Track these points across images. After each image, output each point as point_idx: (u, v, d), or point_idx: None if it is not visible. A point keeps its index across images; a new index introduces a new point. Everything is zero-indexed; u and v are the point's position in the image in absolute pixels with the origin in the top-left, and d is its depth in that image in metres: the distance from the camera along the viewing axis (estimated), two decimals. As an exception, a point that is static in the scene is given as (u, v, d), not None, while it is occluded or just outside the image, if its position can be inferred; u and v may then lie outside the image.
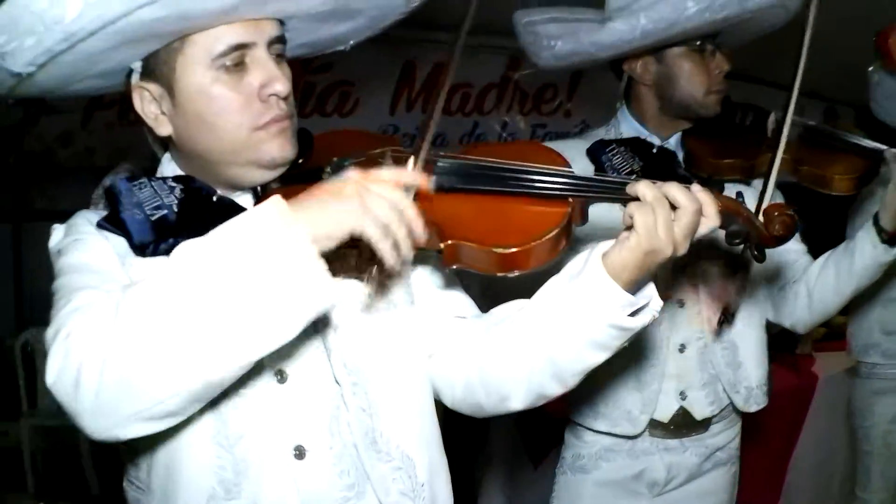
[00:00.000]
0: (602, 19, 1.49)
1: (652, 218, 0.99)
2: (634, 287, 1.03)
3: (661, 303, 1.07)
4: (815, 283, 1.72)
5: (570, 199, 1.06)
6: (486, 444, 3.28)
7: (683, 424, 1.69)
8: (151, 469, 1.05)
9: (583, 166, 1.53)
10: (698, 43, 1.55)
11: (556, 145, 1.26)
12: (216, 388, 0.91)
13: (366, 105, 4.79)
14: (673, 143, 1.63)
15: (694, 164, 1.59)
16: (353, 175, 0.92)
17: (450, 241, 1.03)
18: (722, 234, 1.11)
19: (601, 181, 1.09)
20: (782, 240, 1.15)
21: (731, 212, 1.08)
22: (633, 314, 1.04)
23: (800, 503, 3.39)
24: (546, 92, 5.28)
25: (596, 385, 1.62)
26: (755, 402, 1.74)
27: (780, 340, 4.04)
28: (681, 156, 1.62)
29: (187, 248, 0.86)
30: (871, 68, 4.22)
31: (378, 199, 0.89)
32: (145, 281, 0.86)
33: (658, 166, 1.54)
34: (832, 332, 3.50)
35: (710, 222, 1.04)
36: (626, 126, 1.69)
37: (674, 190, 1.01)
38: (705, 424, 1.71)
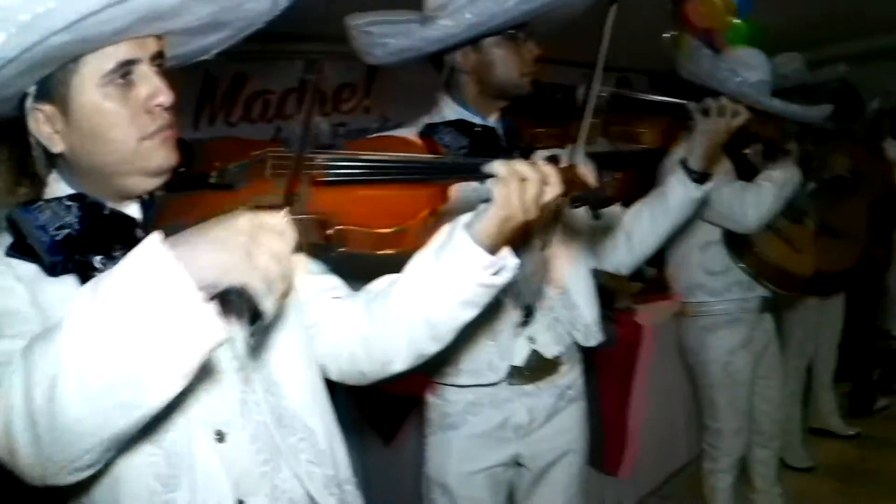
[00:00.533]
0: (428, 18, 1.66)
1: (506, 190, 1.18)
2: (494, 250, 1.22)
3: (516, 261, 1.25)
4: (633, 226, 1.98)
5: (436, 182, 1.24)
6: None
7: (537, 367, 1.89)
8: (93, 484, 1.10)
9: None
10: (511, 32, 1.74)
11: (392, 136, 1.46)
12: (128, 436, 0.97)
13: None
14: (493, 121, 1.81)
15: (514, 137, 1.79)
16: (243, 224, 0.96)
17: (336, 228, 1.18)
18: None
19: (461, 163, 1.31)
20: (613, 201, 1.38)
21: (572, 180, 1.26)
22: (495, 273, 1.23)
23: (649, 446, 3.65)
24: (343, 91, 5.44)
25: (456, 344, 1.73)
26: (593, 337, 1.96)
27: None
28: (501, 131, 1.81)
29: (80, 308, 0.90)
30: (666, 35, 4.55)
31: (265, 256, 0.95)
32: (46, 336, 0.91)
33: (483, 142, 1.72)
34: (649, 286, 3.79)
35: (555, 190, 1.22)
36: (450, 110, 1.85)
37: (522, 166, 1.19)
38: (555, 366, 1.92)
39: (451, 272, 1.23)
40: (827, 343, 4.02)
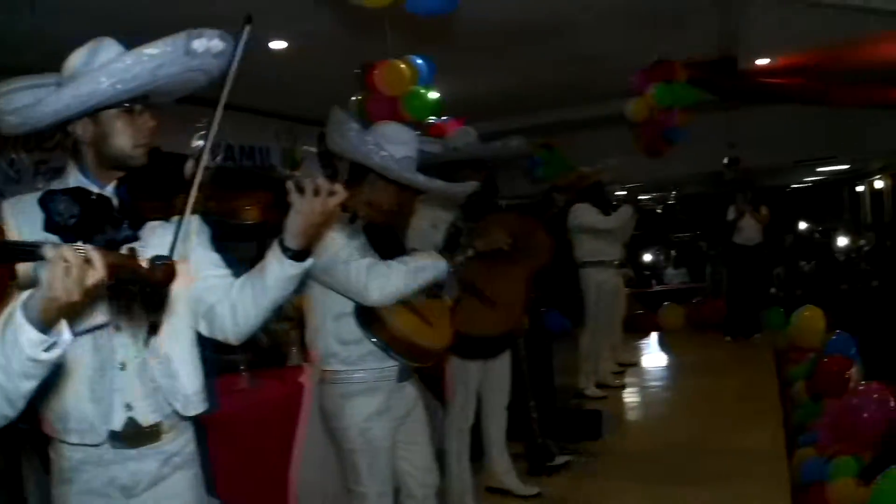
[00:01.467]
0: (32, 102, 1.75)
1: (51, 273, 1.29)
2: (48, 327, 1.35)
3: (70, 336, 1.40)
4: (238, 298, 2.00)
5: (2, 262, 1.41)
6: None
7: (135, 434, 1.91)
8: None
9: (39, 216, 1.74)
10: (127, 105, 1.79)
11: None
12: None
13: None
14: (110, 190, 1.84)
15: (127, 207, 1.81)
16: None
17: None
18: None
19: (20, 245, 1.40)
20: (166, 283, 1.48)
21: (118, 264, 1.37)
22: (47, 349, 1.37)
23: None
24: None
25: (64, 402, 1.85)
26: (193, 408, 1.98)
27: (270, 356, 4.27)
28: (116, 200, 1.82)
29: None
30: (353, 98, 4.65)
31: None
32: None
33: (96, 211, 1.76)
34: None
35: (98, 274, 1.32)
36: (73, 178, 1.88)
37: (66, 251, 1.30)
38: (156, 433, 1.94)
39: (9, 346, 1.36)
40: (495, 404, 4.20)
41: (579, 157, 6.94)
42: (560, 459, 4.87)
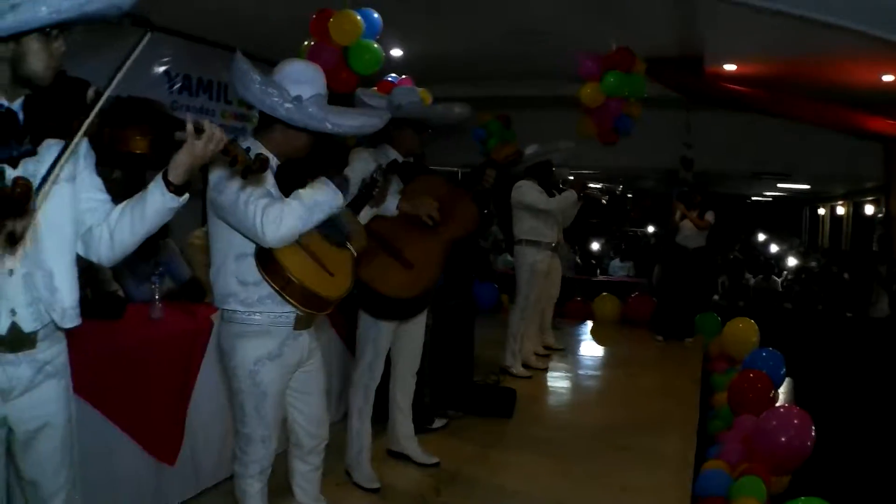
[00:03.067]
0: None
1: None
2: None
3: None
4: (116, 224, 2.12)
5: None
6: None
7: (16, 338, 1.99)
8: None
9: None
10: (46, 30, 1.88)
11: None
12: None
13: None
14: (17, 105, 1.92)
15: (29, 124, 1.89)
16: None
17: None
18: None
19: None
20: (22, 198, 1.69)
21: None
22: None
23: (213, 439, 3.72)
24: None
25: None
26: (69, 320, 2.09)
27: (190, 291, 4.23)
28: (21, 115, 1.91)
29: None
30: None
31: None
32: None
33: (2, 124, 1.85)
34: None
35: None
36: None
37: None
38: (33, 340, 2.03)
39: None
40: (404, 368, 4.21)
41: (530, 136, 6.88)
42: (437, 423, 4.98)
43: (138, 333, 3.46)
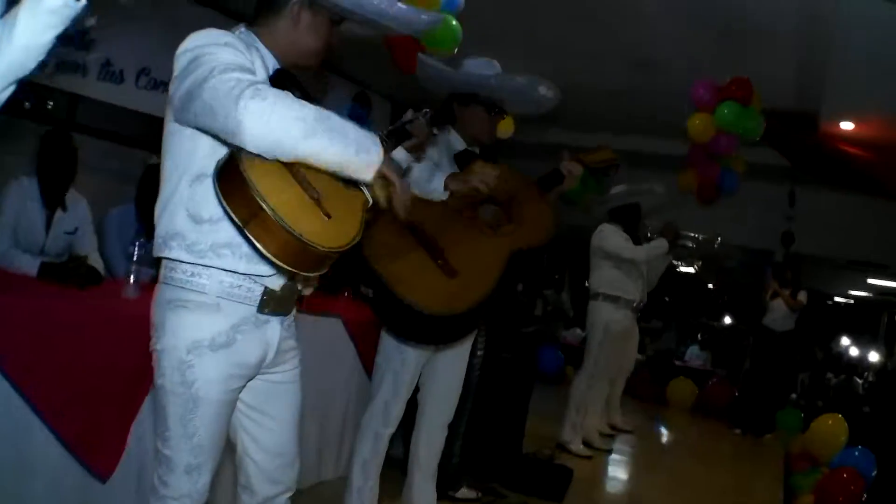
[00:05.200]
0: None
1: None
2: None
3: None
4: None
5: None
6: None
7: None
8: None
9: None
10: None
11: None
12: None
13: None
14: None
15: None
16: None
17: None
18: None
19: None
20: None
21: None
22: None
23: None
24: None
25: None
26: None
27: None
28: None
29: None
30: None
31: None
32: None
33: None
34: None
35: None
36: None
37: None
38: None
39: None
40: (432, 415, 3.22)
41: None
42: (465, 493, 3.98)
43: (94, 308, 2.70)
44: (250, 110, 1.57)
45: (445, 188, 2.73)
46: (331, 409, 3.74)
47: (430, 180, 2.73)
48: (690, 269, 6.25)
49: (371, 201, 1.82)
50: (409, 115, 2.26)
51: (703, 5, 5.34)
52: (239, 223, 1.61)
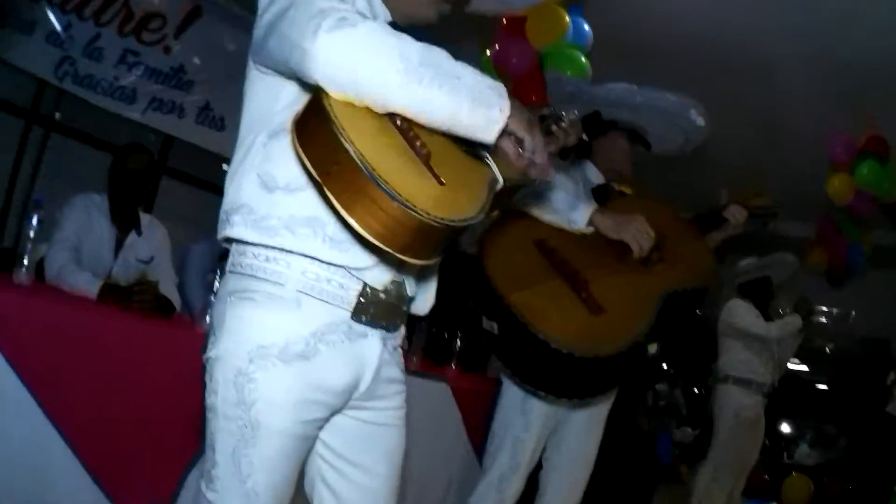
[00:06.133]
0: None
1: None
2: None
3: None
4: None
5: None
6: None
7: None
8: None
9: None
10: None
11: None
12: None
13: None
14: None
15: None
16: None
17: None
18: None
19: None
20: None
21: None
22: None
23: None
24: (153, 20, 5.16)
25: None
26: None
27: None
28: None
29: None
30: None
31: None
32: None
33: None
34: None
35: None
36: None
37: None
38: None
39: None
40: (560, 486, 2.72)
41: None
42: None
43: (157, 337, 2.40)
44: (334, 38, 1.16)
45: (589, 223, 2.30)
46: (429, 486, 3.23)
47: (574, 209, 2.31)
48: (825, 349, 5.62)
49: (501, 180, 1.33)
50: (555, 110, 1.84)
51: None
52: (316, 176, 1.15)
